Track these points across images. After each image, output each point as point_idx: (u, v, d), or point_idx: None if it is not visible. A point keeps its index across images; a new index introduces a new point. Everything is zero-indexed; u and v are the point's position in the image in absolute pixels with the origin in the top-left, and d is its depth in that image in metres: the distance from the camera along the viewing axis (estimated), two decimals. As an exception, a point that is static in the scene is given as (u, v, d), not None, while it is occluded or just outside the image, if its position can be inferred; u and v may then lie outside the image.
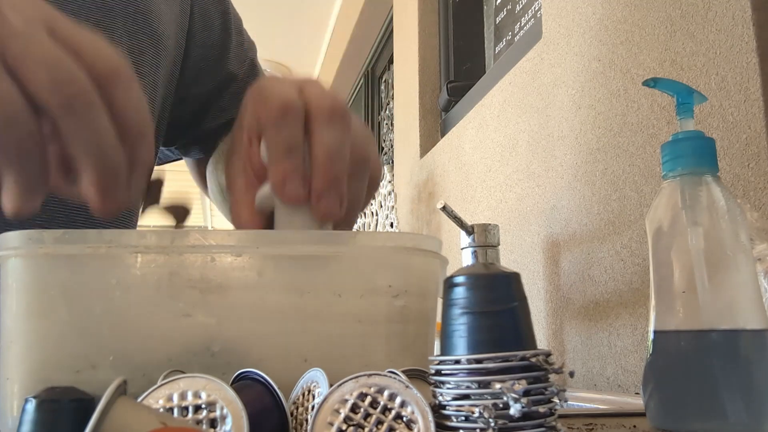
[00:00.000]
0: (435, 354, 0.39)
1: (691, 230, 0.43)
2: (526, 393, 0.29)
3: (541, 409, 0.30)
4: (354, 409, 0.30)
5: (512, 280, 0.33)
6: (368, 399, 0.30)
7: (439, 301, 0.46)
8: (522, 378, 0.30)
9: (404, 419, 0.29)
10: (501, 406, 0.29)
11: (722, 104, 0.72)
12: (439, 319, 0.48)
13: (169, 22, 0.67)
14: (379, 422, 0.29)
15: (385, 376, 0.31)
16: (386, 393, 0.30)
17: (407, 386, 0.30)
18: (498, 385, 0.30)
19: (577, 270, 1.00)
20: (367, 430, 0.29)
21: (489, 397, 0.30)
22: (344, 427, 0.29)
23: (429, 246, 0.43)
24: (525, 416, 0.29)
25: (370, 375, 0.31)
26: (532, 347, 0.31)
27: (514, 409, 0.29)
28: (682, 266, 0.43)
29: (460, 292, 0.32)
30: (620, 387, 0.87)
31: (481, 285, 0.32)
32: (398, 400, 0.30)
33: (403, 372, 0.34)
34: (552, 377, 0.32)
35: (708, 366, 0.41)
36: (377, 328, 0.41)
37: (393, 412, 0.30)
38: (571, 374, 0.84)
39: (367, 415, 0.30)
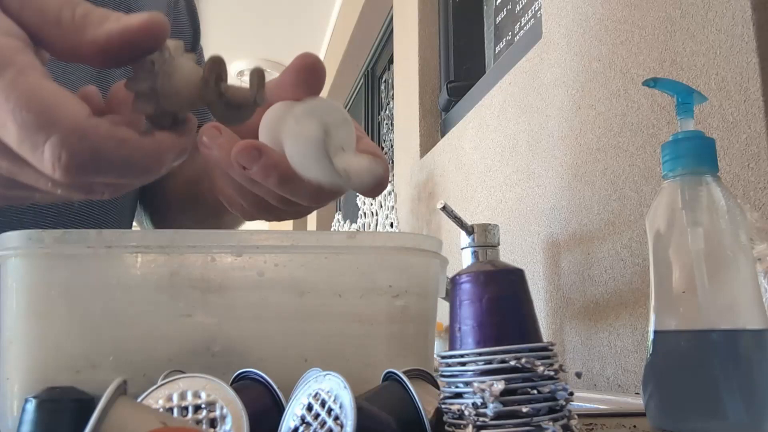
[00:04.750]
0: (436, 353, 0.40)
1: (691, 230, 0.43)
2: (505, 393, 0.30)
3: (524, 408, 0.30)
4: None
5: (519, 276, 0.33)
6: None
7: (440, 301, 0.46)
8: (501, 379, 0.30)
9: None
10: (479, 405, 0.30)
11: (722, 104, 0.72)
12: (439, 318, 0.48)
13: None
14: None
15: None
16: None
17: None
18: (476, 385, 0.30)
19: (577, 270, 1.00)
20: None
21: (474, 396, 0.30)
22: None
23: (429, 246, 0.43)
24: (510, 415, 0.30)
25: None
26: (537, 341, 0.32)
27: (489, 409, 0.30)
28: (682, 266, 0.43)
29: (467, 289, 0.32)
30: (620, 387, 0.87)
31: (488, 281, 0.32)
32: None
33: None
34: (561, 375, 0.32)
35: (708, 366, 0.41)
36: (377, 328, 0.41)
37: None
38: (578, 375, 0.84)
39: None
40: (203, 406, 0.30)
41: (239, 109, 0.31)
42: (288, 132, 0.33)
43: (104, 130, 0.28)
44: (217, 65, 0.30)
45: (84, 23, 0.29)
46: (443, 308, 0.41)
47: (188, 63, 0.31)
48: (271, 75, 4.46)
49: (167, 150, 0.30)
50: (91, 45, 0.29)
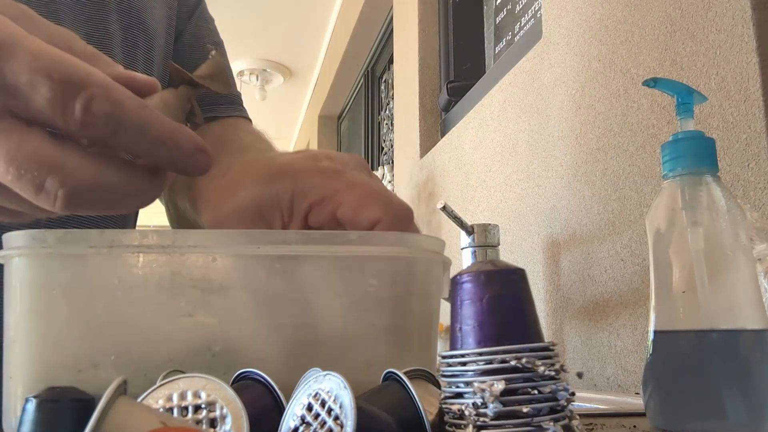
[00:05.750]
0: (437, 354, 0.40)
1: (691, 230, 0.43)
2: (506, 393, 0.30)
3: (525, 408, 0.30)
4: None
5: (520, 275, 0.33)
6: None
7: (442, 302, 0.46)
8: (502, 379, 0.30)
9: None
10: (479, 405, 0.30)
11: (722, 104, 0.73)
12: (441, 319, 0.48)
13: (161, 20, 0.68)
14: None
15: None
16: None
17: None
18: (476, 385, 0.30)
19: (577, 270, 1.00)
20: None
21: (475, 396, 0.31)
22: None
23: (432, 246, 0.43)
24: (511, 415, 0.30)
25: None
26: (539, 341, 0.32)
27: (489, 409, 0.30)
28: (682, 266, 0.43)
29: (468, 289, 0.32)
30: (620, 387, 0.87)
31: (489, 281, 0.32)
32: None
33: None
34: (562, 375, 0.32)
35: (708, 366, 0.41)
36: (379, 329, 0.41)
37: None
38: (580, 375, 0.84)
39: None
40: (203, 406, 0.30)
41: (212, 77, 0.38)
42: None
43: (127, 91, 0.31)
44: (173, 65, 0.36)
45: (95, 57, 0.33)
46: (445, 309, 0.41)
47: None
48: (271, 75, 4.41)
49: (179, 129, 0.33)
50: None
